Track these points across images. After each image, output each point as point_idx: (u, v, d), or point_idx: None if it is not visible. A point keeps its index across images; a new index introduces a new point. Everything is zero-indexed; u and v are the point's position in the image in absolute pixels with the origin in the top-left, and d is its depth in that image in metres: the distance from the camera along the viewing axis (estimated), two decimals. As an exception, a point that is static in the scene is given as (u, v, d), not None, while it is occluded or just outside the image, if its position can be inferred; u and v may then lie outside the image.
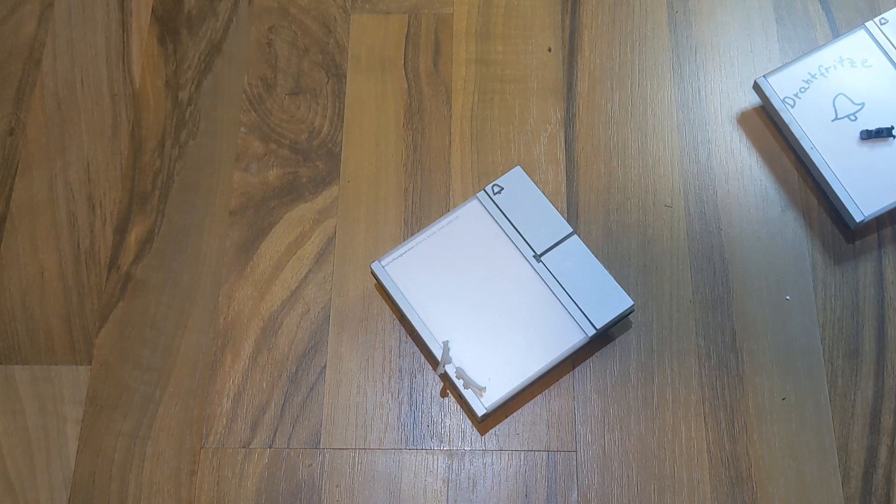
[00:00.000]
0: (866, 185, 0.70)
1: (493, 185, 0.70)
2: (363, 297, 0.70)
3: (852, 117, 0.72)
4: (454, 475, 0.65)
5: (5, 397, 0.68)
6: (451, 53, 0.78)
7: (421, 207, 0.73)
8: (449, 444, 0.66)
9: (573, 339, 0.66)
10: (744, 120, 0.75)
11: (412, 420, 0.66)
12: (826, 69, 0.73)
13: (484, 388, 0.65)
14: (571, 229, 0.69)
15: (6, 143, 0.76)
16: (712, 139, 0.75)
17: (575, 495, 0.64)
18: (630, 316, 0.69)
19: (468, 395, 0.64)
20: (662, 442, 0.65)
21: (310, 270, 0.71)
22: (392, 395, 0.67)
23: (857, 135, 0.71)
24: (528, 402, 0.67)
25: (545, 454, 0.65)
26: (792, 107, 0.72)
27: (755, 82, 0.74)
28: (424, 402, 0.67)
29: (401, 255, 0.69)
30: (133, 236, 0.72)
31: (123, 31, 0.80)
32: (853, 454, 0.65)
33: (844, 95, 0.72)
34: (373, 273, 0.69)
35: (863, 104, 0.72)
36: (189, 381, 0.68)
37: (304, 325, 0.69)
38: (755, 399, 0.66)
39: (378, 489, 0.65)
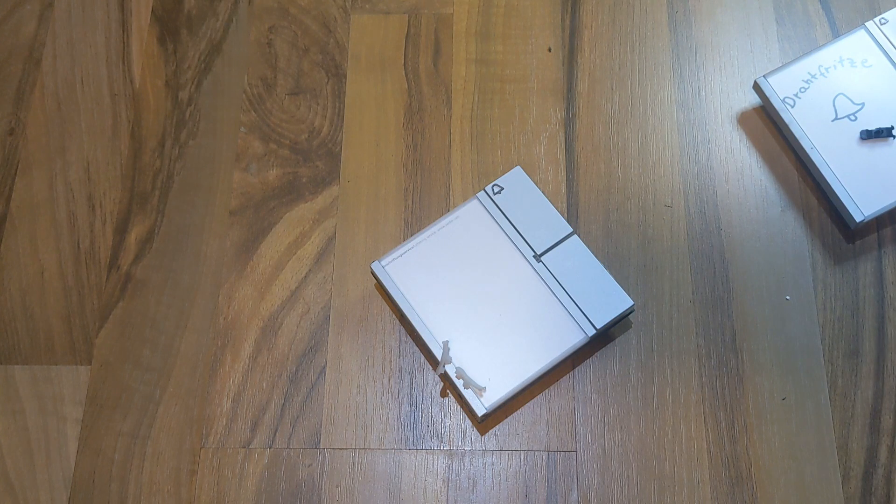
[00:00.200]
0: (866, 185, 0.70)
1: (493, 185, 0.70)
2: (363, 297, 0.70)
3: (852, 117, 0.72)
4: (454, 475, 0.65)
5: (5, 397, 0.68)
6: (451, 53, 0.78)
7: (421, 207, 0.73)
8: (449, 444, 0.66)
9: (573, 339, 0.66)
10: (744, 120, 0.75)
11: (412, 420, 0.66)
12: (826, 69, 0.73)
13: (484, 388, 0.65)
14: (571, 229, 0.69)
15: (6, 143, 0.76)
16: (712, 139, 0.75)
17: (575, 495, 0.64)
18: (630, 316, 0.69)
19: (468, 395, 0.64)
20: (662, 442, 0.65)
21: (310, 270, 0.71)
22: (392, 395, 0.67)
23: (857, 135, 0.71)
24: (528, 402, 0.67)
25: (545, 454, 0.65)
26: (792, 107, 0.72)
27: (755, 82, 0.74)
28: (424, 402, 0.67)
29: (401, 255, 0.69)
30: (133, 236, 0.72)
31: (123, 31, 0.80)
32: (853, 454, 0.65)
33: (844, 95, 0.72)
34: (373, 273, 0.69)
35: (863, 104, 0.72)
36: (189, 381, 0.68)
37: (304, 325, 0.69)
38: (755, 399, 0.66)
39: (378, 489, 0.65)
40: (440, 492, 0.64)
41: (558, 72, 0.77)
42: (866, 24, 0.74)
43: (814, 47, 0.76)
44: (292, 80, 0.78)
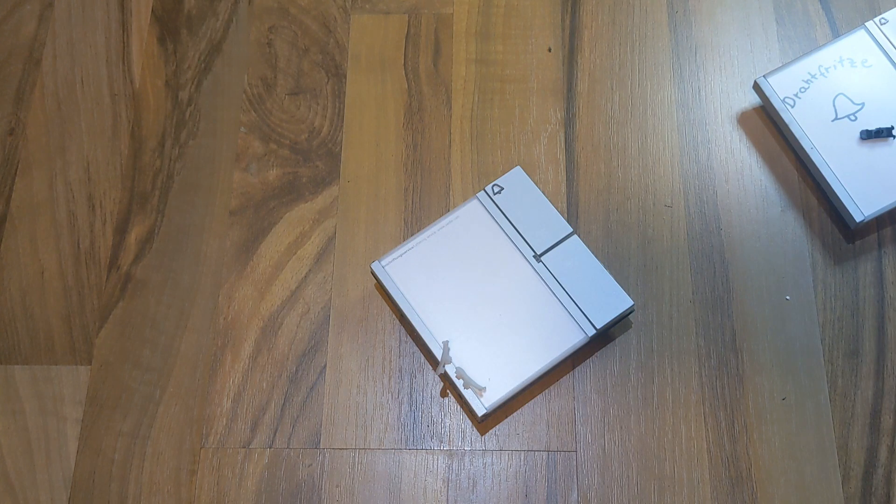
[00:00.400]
0: (866, 185, 0.70)
1: (493, 185, 0.70)
2: (363, 297, 0.70)
3: (852, 117, 0.72)
4: (454, 475, 0.65)
5: (5, 397, 0.68)
6: (451, 53, 0.78)
7: (421, 207, 0.73)
8: (449, 444, 0.66)
9: (573, 339, 0.66)
10: (744, 120, 0.75)
11: (412, 420, 0.66)
12: (826, 69, 0.73)
13: (484, 388, 0.65)
14: (571, 229, 0.69)
15: (6, 143, 0.76)
16: (712, 139, 0.75)
17: (575, 495, 0.64)
18: (630, 316, 0.69)
19: (468, 395, 0.64)
20: (662, 442, 0.65)
21: (310, 270, 0.71)
22: (392, 395, 0.67)
23: (857, 135, 0.71)
24: (528, 402, 0.67)
25: (545, 454, 0.65)
26: (792, 107, 0.72)
27: (755, 82, 0.74)
28: (424, 402, 0.67)
29: (401, 255, 0.69)
30: (133, 236, 0.72)
31: (123, 31, 0.80)
32: (853, 454, 0.65)
33: (844, 95, 0.72)
34: (373, 273, 0.69)
35: (863, 104, 0.72)
36: (189, 381, 0.68)
37: (304, 325, 0.69)
38: (755, 399, 0.66)
39: (378, 489, 0.65)
40: (440, 492, 0.64)
41: (558, 72, 0.77)
42: (866, 24, 0.74)
43: (814, 47, 0.76)
44: (292, 80, 0.78)
